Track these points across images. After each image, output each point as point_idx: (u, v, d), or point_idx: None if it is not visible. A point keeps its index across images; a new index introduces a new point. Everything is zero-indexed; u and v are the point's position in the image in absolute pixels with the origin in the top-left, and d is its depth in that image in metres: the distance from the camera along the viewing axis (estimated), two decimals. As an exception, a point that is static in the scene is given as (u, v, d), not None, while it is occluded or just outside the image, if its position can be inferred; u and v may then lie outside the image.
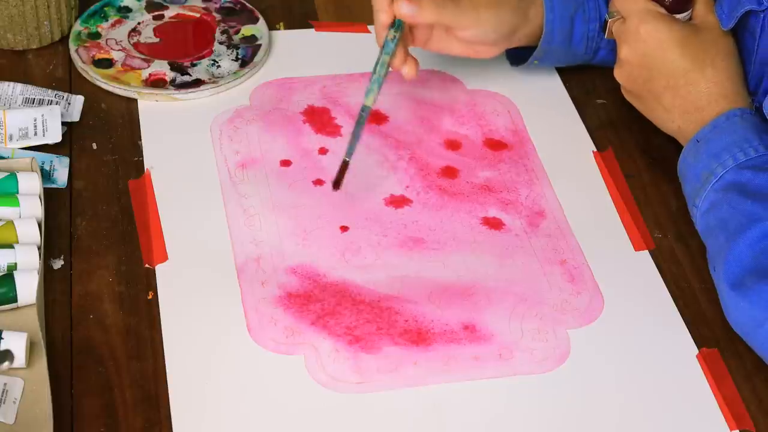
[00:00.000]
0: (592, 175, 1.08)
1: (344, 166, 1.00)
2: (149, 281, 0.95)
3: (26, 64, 1.15)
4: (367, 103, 1.01)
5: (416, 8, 1.02)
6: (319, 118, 1.11)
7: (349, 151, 1.00)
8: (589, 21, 1.10)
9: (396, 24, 1.02)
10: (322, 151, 1.08)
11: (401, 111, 1.13)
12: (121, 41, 1.17)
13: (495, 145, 1.10)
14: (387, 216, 1.02)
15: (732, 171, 0.95)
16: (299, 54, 1.19)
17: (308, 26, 1.23)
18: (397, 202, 1.03)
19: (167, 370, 0.88)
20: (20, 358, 0.85)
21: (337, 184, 1.01)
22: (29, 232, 0.94)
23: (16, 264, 0.91)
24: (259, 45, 1.18)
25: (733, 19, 0.99)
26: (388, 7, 1.03)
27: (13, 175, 0.98)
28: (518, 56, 1.15)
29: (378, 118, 1.12)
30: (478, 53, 1.08)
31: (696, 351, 0.93)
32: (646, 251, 1.01)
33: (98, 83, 1.12)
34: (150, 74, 1.13)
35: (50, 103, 1.09)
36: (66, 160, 1.04)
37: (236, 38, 1.19)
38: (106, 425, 0.84)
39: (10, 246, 0.92)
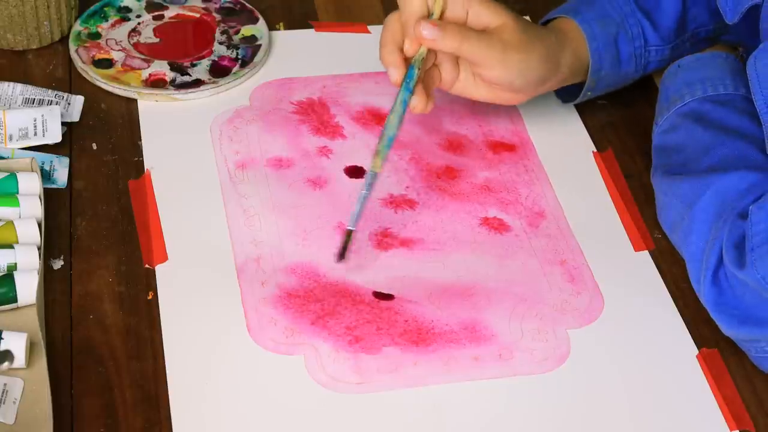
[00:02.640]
0: (592, 175, 1.08)
1: (348, 235, 0.95)
2: (149, 281, 0.95)
3: (26, 64, 1.15)
4: (375, 168, 0.95)
5: (439, 32, 0.95)
6: (319, 118, 1.11)
7: (354, 220, 0.95)
8: (634, 39, 1.07)
9: (408, 77, 0.96)
10: (323, 151, 1.08)
11: (401, 111, 1.13)
12: (121, 41, 1.17)
13: (495, 145, 1.10)
14: (387, 216, 1.02)
15: (697, 101, 1.01)
16: (299, 54, 1.19)
17: (308, 26, 1.23)
18: (397, 202, 1.03)
19: (167, 370, 0.88)
20: (20, 358, 0.85)
21: (342, 255, 0.95)
22: (29, 232, 0.94)
23: (16, 264, 0.91)
24: (259, 45, 1.18)
25: (737, 13, 0.99)
26: (398, 59, 0.96)
27: (13, 176, 0.98)
28: (567, 91, 1.10)
29: (380, 118, 1.12)
30: (503, 99, 1.03)
31: (696, 351, 0.93)
32: (646, 251, 1.01)
33: (98, 83, 1.12)
34: (150, 74, 1.13)
35: (50, 103, 1.09)
36: (66, 160, 1.04)
37: (236, 38, 1.19)
38: (106, 425, 0.84)
39: (10, 246, 0.92)
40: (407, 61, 0.97)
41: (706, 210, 0.93)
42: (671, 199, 0.98)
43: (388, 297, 0.95)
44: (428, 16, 0.97)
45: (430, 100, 0.98)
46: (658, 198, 1.01)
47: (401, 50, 0.97)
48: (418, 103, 0.97)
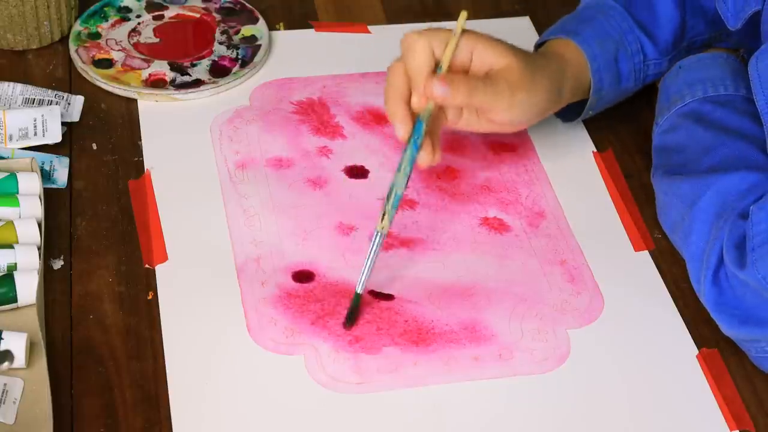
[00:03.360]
0: (592, 175, 1.08)
1: (357, 299, 0.92)
2: (149, 281, 0.95)
3: (26, 64, 1.15)
4: (382, 228, 0.91)
5: (450, 90, 0.92)
6: (319, 118, 1.11)
7: (362, 284, 0.92)
8: (633, 55, 1.07)
9: (415, 134, 0.93)
10: (323, 151, 1.08)
11: (401, 111, 1.13)
12: (121, 41, 1.17)
13: (495, 145, 1.10)
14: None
15: (698, 101, 1.01)
16: (299, 54, 1.19)
17: (308, 26, 1.23)
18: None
19: (167, 370, 0.88)
20: (20, 358, 0.85)
21: (350, 320, 0.92)
22: (29, 232, 0.94)
23: (16, 264, 0.91)
24: (259, 45, 1.18)
25: (740, 20, 0.99)
26: (406, 114, 0.93)
27: (13, 176, 0.98)
28: (568, 109, 1.08)
29: (380, 118, 1.12)
30: (505, 130, 1.01)
31: (696, 351, 0.93)
32: (646, 251, 1.01)
33: (98, 83, 1.12)
34: (150, 74, 1.13)
35: (50, 103, 1.09)
36: (66, 160, 1.04)
37: (236, 38, 1.19)
38: (106, 425, 0.84)
39: (10, 246, 0.92)
40: (413, 114, 0.94)
41: (707, 210, 0.93)
42: (671, 199, 0.98)
43: (388, 297, 0.95)
44: (435, 67, 0.94)
45: (437, 151, 0.95)
46: (659, 198, 1.01)
47: (407, 103, 0.94)
48: (426, 157, 0.94)
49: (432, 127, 0.95)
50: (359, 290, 0.92)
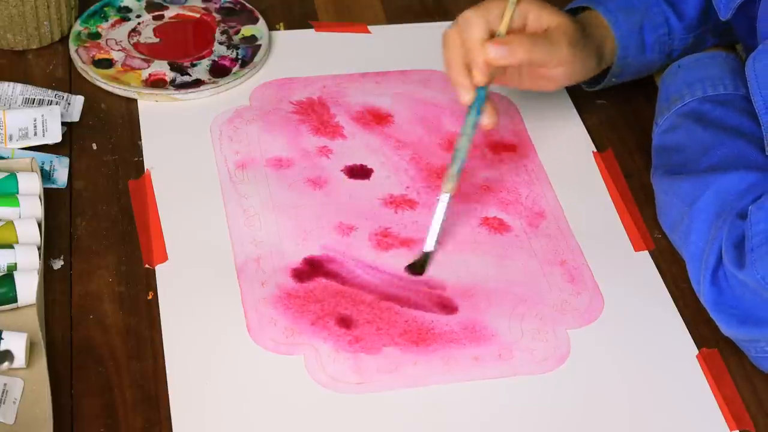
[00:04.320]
0: (592, 175, 1.08)
1: (426, 257, 0.97)
2: (149, 281, 0.95)
3: (26, 64, 1.15)
4: (449, 190, 0.97)
5: (506, 49, 0.96)
6: (318, 118, 1.11)
7: (433, 242, 0.97)
8: (657, 27, 1.08)
9: (477, 100, 0.97)
10: (323, 151, 1.08)
11: (402, 111, 1.13)
12: (121, 41, 1.17)
13: (495, 145, 1.10)
14: (387, 216, 1.02)
15: (697, 101, 1.01)
16: (299, 54, 1.19)
17: (308, 26, 1.23)
18: (397, 202, 1.03)
19: (167, 370, 0.88)
20: (20, 358, 0.85)
21: (416, 271, 0.96)
22: (29, 232, 0.94)
23: (16, 264, 0.91)
24: (259, 45, 1.18)
25: (730, 9, 1.00)
26: (469, 82, 0.97)
27: (13, 175, 0.98)
28: (592, 78, 1.11)
29: (379, 118, 1.12)
30: (550, 88, 1.05)
31: (696, 351, 0.93)
32: (646, 251, 1.01)
33: (98, 83, 1.12)
34: (150, 74, 1.13)
35: (50, 103, 1.09)
36: (66, 160, 1.04)
37: (236, 38, 1.19)
38: (106, 425, 0.84)
39: (10, 246, 0.92)
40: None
41: (706, 210, 0.94)
42: (671, 198, 0.98)
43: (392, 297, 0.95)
44: (492, 35, 0.98)
45: (497, 113, 0.99)
46: (658, 197, 1.01)
47: (468, 68, 0.97)
48: (490, 120, 0.98)
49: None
50: (430, 249, 0.97)
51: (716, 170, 0.95)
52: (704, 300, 0.93)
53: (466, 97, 0.97)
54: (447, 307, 0.95)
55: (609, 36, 1.07)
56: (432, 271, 0.97)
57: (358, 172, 1.06)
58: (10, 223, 0.94)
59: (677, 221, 0.97)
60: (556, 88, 1.05)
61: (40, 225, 0.95)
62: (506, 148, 1.10)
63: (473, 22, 0.97)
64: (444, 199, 0.97)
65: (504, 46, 0.96)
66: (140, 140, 1.08)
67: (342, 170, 1.06)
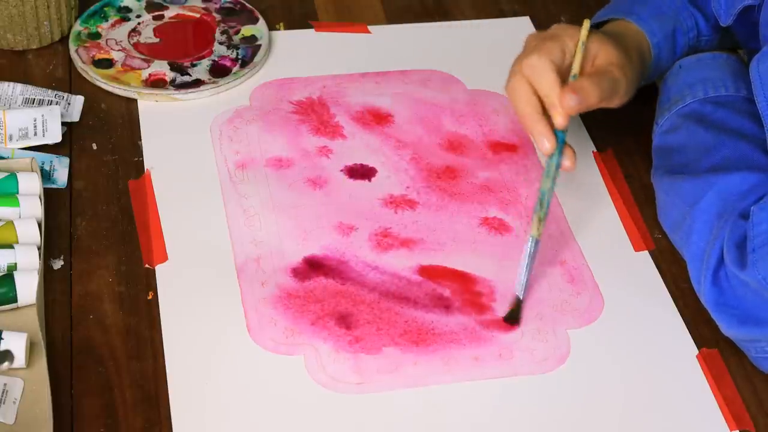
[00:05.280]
0: (592, 175, 1.08)
1: (519, 303, 0.95)
2: (149, 281, 0.95)
3: (26, 64, 1.15)
4: (536, 235, 0.94)
5: (581, 97, 0.95)
6: (318, 118, 1.11)
7: (523, 289, 0.95)
8: (688, 30, 1.08)
9: (558, 145, 0.95)
10: (323, 151, 1.08)
11: (402, 111, 1.13)
12: (121, 41, 1.17)
13: (495, 145, 1.10)
14: (387, 216, 1.02)
15: (698, 102, 1.01)
16: (299, 54, 1.19)
17: (308, 26, 1.23)
18: (397, 202, 1.03)
19: (167, 370, 0.88)
20: (20, 358, 0.85)
21: (514, 321, 0.94)
22: (29, 232, 0.94)
23: (16, 264, 0.91)
24: (259, 45, 1.18)
25: (731, 15, 1.00)
26: (548, 130, 0.95)
27: (13, 175, 0.98)
28: None
29: (380, 118, 1.12)
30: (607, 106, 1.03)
31: (696, 351, 0.93)
32: (646, 251, 1.01)
33: (98, 83, 1.12)
34: (150, 74, 1.13)
35: (50, 103, 1.09)
36: (66, 160, 1.04)
37: (236, 38, 1.19)
38: (106, 425, 0.84)
39: (10, 246, 0.92)
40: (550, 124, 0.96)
41: (708, 210, 0.94)
42: (672, 198, 0.98)
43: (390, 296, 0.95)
44: (561, 74, 0.96)
45: (575, 155, 0.97)
46: (659, 198, 1.01)
47: (543, 116, 0.96)
48: (570, 162, 0.96)
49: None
50: (521, 295, 0.95)
51: (718, 171, 0.95)
52: (705, 300, 0.93)
53: (548, 145, 0.95)
54: (447, 307, 0.95)
55: (644, 42, 1.06)
56: (432, 271, 0.97)
57: (362, 173, 1.06)
58: (10, 223, 0.94)
59: (678, 221, 0.97)
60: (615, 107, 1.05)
61: (40, 225, 0.95)
62: (506, 148, 1.10)
63: (541, 67, 0.95)
64: (531, 243, 0.94)
65: (578, 94, 0.95)
66: (140, 140, 1.08)
67: (342, 170, 1.06)
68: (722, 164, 0.95)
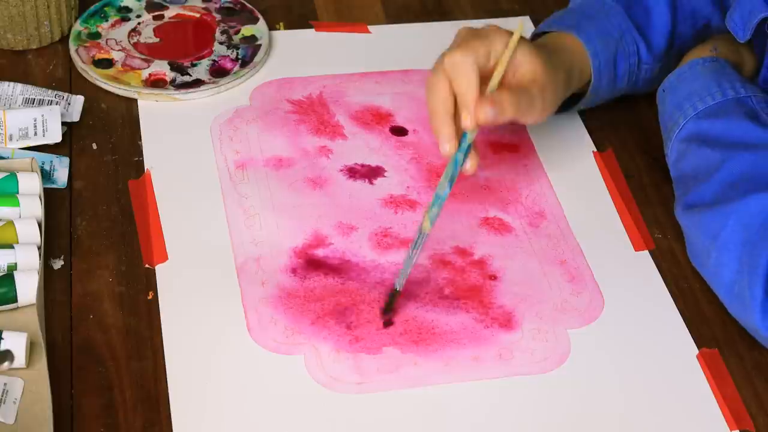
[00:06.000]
0: (592, 175, 1.08)
1: (393, 296, 0.93)
2: (149, 281, 0.95)
3: (26, 64, 1.15)
4: (425, 229, 0.93)
5: (497, 111, 0.94)
6: (318, 118, 1.11)
7: (402, 281, 0.93)
8: (629, 56, 1.08)
9: (460, 149, 0.94)
10: (323, 151, 1.08)
11: (402, 111, 1.13)
12: (121, 41, 1.17)
13: (495, 145, 1.10)
14: (387, 216, 1.02)
15: (692, 121, 1.00)
16: (299, 54, 1.19)
17: (308, 26, 1.23)
18: (397, 202, 1.03)
19: (167, 370, 0.88)
20: (20, 358, 0.85)
21: (386, 313, 0.93)
22: (29, 232, 0.94)
23: (16, 264, 0.91)
24: (259, 45, 1.18)
25: (749, 30, 0.99)
26: (452, 132, 0.94)
27: (13, 175, 0.98)
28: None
29: (380, 117, 1.12)
30: (522, 123, 1.03)
31: (696, 351, 0.93)
32: (646, 251, 1.01)
33: (98, 83, 1.12)
34: (150, 74, 1.13)
35: (50, 103, 1.09)
36: (66, 160, 1.04)
37: (236, 38, 1.19)
38: (106, 425, 0.84)
39: (10, 246, 0.92)
40: (458, 127, 0.95)
41: (731, 240, 0.92)
42: (694, 232, 0.96)
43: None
44: (481, 75, 0.95)
45: (478, 157, 0.96)
46: (684, 233, 0.99)
47: (453, 119, 0.95)
48: (471, 166, 0.95)
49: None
50: (399, 287, 0.93)
51: (732, 196, 0.93)
52: (765, 337, 0.91)
53: (447, 147, 0.94)
54: (447, 307, 0.95)
55: (583, 62, 1.05)
56: (433, 272, 0.97)
57: (358, 172, 1.06)
58: (10, 223, 0.94)
59: (704, 255, 0.95)
60: (529, 124, 1.06)
61: (40, 225, 0.95)
62: (506, 148, 1.10)
63: (463, 66, 0.94)
64: (419, 238, 0.93)
65: (495, 107, 0.94)
66: (140, 140, 1.08)
67: (341, 170, 1.06)
68: (735, 182, 0.93)
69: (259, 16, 1.21)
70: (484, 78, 0.95)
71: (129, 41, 1.17)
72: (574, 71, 1.04)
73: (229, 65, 1.15)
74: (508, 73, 0.97)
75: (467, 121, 0.94)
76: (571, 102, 1.09)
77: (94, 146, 1.07)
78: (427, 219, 0.93)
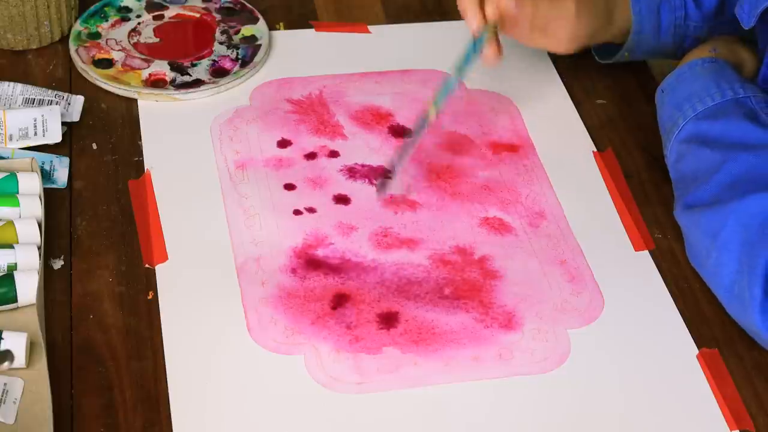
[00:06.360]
0: (592, 175, 1.08)
1: (389, 176, 0.98)
2: (149, 281, 0.95)
3: (26, 64, 1.15)
4: (429, 114, 0.96)
5: (516, 3, 1.00)
6: (318, 118, 1.11)
7: (397, 164, 0.98)
8: (675, 9, 1.09)
9: (479, 39, 0.99)
10: (323, 151, 1.08)
11: (402, 111, 1.13)
12: (121, 41, 1.17)
13: (495, 145, 1.10)
14: (387, 216, 1.02)
15: (692, 122, 1.00)
16: (299, 54, 1.19)
17: (308, 26, 1.23)
18: (398, 202, 1.03)
19: (167, 370, 0.88)
20: (20, 358, 0.85)
21: (382, 188, 0.98)
22: (29, 232, 0.94)
23: (16, 264, 0.91)
24: (259, 45, 1.18)
25: (753, 17, 0.99)
26: (479, 12, 1.00)
27: (13, 175, 0.98)
28: (606, 50, 1.14)
29: (379, 117, 1.12)
30: (556, 47, 1.07)
31: (696, 351, 0.93)
32: (646, 251, 1.01)
33: (98, 83, 1.12)
34: (150, 74, 1.13)
35: (50, 103, 1.09)
36: (66, 160, 1.04)
37: (236, 38, 1.19)
38: (106, 425, 0.84)
39: (10, 246, 0.92)
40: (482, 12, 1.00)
41: (731, 240, 0.92)
42: (694, 232, 0.96)
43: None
44: None
45: (501, 50, 1.01)
46: (684, 234, 0.99)
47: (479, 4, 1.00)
48: (493, 55, 1.00)
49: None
50: (391, 168, 0.99)
51: (732, 196, 0.93)
52: (765, 338, 0.91)
53: (474, 24, 0.99)
54: (447, 307, 0.95)
55: (628, 9, 1.07)
56: (432, 271, 0.98)
57: (358, 172, 1.06)
58: (10, 223, 0.94)
59: (703, 256, 0.95)
60: (564, 49, 1.07)
61: (40, 225, 0.95)
62: (506, 148, 1.10)
63: None
64: (423, 123, 0.96)
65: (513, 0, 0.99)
66: (140, 140, 1.08)
67: (341, 170, 1.06)
68: (733, 184, 0.94)
69: (259, 16, 1.21)
70: None
71: (129, 41, 1.17)
72: (617, 11, 1.06)
73: (229, 65, 1.15)
74: None
75: (489, 10, 0.98)
76: (616, 51, 1.11)
77: (94, 146, 1.07)
78: (433, 107, 0.95)
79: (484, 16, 1.00)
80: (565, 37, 1.03)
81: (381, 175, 0.96)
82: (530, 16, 0.99)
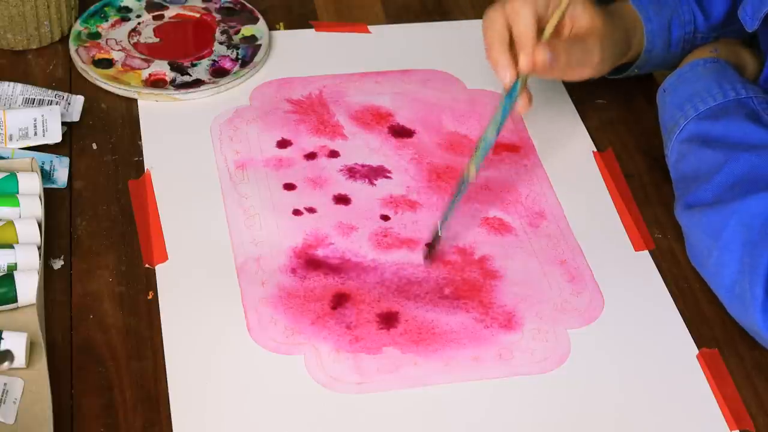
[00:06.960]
0: (592, 175, 1.08)
1: (436, 239, 0.98)
2: (149, 281, 0.95)
3: (26, 64, 1.15)
4: (471, 175, 0.96)
5: (552, 56, 0.97)
6: (318, 118, 1.11)
7: (443, 225, 0.97)
8: (685, 24, 1.09)
9: (512, 92, 0.97)
10: (323, 151, 1.08)
11: (402, 111, 1.13)
12: (121, 41, 1.17)
13: (495, 145, 1.10)
14: (387, 216, 1.02)
15: (693, 122, 1.00)
16: (299, 54, 1.19)
17: (308, 26, 1.23)
18: (397, 202, 1.03)
19: (167, 370, 0.88)
20: (20, 358, 0.85)
21: (429, 256, 0.98)
22: (29, 232, 0.94)
23: (16, 264, 0.91)
24: (259, 45, 1.18)
25: (756, 20, 0.99)
26: (511, 63, 0.98)
27: (13, 175, 0.98)
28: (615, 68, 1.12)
29: (379, 117, 1.12)
30: (578, 79, 1.05)
31: (696, 351, 0.93)
32: (646, 251, 1.01)
33: (98, 83, 1.12)
34: (150, 74, 1.13)
35: (50, 103, 1.09)
36: (66, 160, 1.04)
37: (236, 38, 1.19)
38: (106, 425, 0.84)
39: (10, 246, 0.92)
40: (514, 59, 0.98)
41: (733, 240, 0.92)
42: (695, 232, 0.96)
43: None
44: (538, 23, 0.98)
45: (530, 99, 1.00)
46: (684, 233, 0.99)
47: (510, 49, 0.98)
48: (525, 105, 0.99)
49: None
50: (440, 233, 0.98)
51: (734, 196, 0.93)
52: (766, 338, 0.91)
53: (508, 76, 0.97)
54: (447, 307, 0.95)
55: (638, 27, 1.08)
56: (432, 271, 0.98)
57: (358, 172, 1.06)
58: (10, 223, 0.94)
59: (705, 255, 0.95)
60: (585, 78, 1.06)
61: (40, 225, 0.95)
62: (506, 148, 1.10)
63: (523, 11, 0.97)
64: (462, 185, 0.97)
65: (550, 52, 0.97)
66: (140, 140, 1.08)
67: (341, 170, 1.06)
68: (735, 184, 0.94)
69: (259, 16, 1.21)
70: (540, 27, 0.98)
71: (129, 41, 1.17)
72: (634, 32, 1.07)
73: (229, 65, 1.15)
74: (566, 25, 1.00)
75: (524, 60, 0.97)
76: (626, 68, 1.12)
77: (94, 146, 1.07)
78: (473, 165, 0.95)
79: (516, 66, 0.98)
80: (588, 74, 1.03)
81: (426, 243, 0.98)
82: (563, 64, 0.99)
